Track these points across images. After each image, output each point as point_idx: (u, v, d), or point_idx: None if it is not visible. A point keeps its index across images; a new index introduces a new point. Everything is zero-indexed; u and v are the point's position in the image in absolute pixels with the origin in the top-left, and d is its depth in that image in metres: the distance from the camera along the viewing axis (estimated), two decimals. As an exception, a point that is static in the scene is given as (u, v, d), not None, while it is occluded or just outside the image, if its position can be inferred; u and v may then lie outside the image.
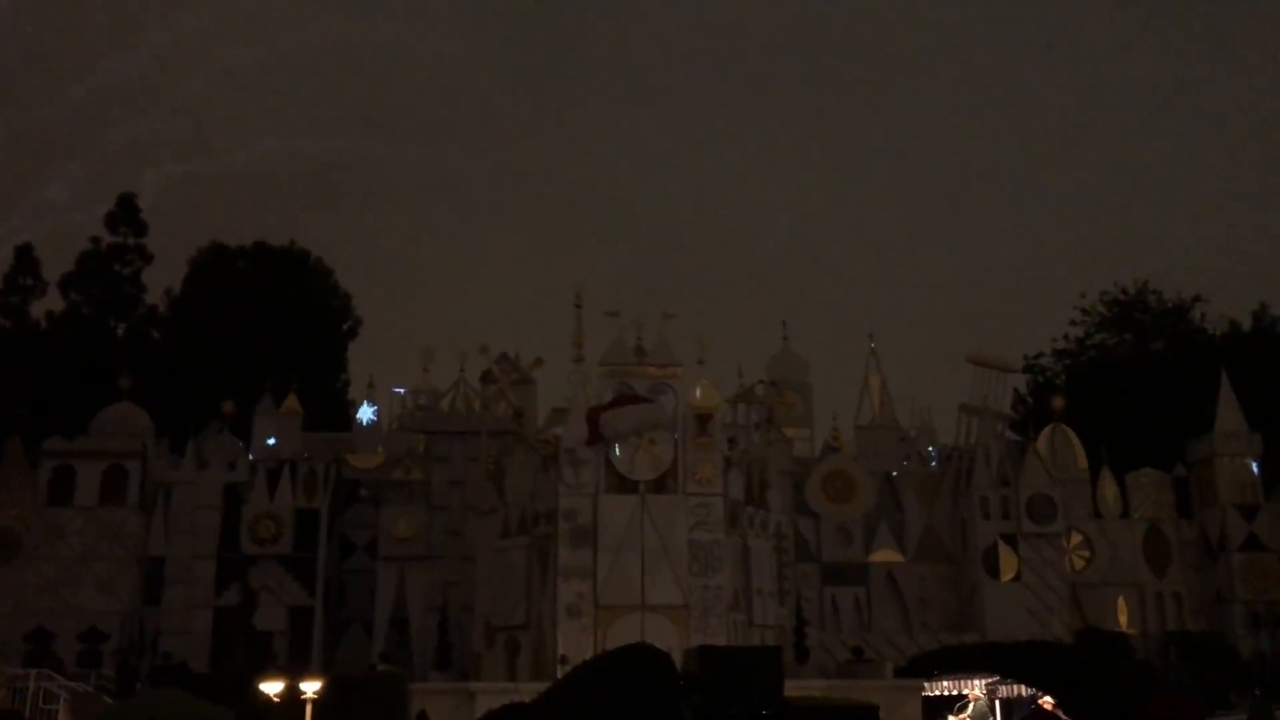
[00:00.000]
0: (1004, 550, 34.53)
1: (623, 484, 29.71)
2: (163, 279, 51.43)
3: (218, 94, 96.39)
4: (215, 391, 37.51)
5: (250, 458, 34.79)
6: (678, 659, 20.34)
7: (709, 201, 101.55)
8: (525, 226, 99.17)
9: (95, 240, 50.44)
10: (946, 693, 28.08)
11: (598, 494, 29.45)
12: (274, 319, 47.37)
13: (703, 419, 30.32)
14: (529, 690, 22.26)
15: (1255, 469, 36.97)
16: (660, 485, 29.78)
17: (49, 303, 49.40)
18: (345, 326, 53.10)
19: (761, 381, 35.85)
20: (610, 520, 29.33)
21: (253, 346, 45.25)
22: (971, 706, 27.36)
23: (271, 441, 34.64)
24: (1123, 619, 35.34)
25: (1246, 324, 52.26)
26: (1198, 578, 36.62)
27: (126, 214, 51.05)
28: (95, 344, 46.29)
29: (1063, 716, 20.60)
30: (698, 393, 30.21)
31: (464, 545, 33.03)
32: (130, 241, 50.68)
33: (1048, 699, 21.99)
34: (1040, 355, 55.13)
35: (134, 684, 27.79)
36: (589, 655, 23.20)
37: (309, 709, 18.08)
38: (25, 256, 49.70)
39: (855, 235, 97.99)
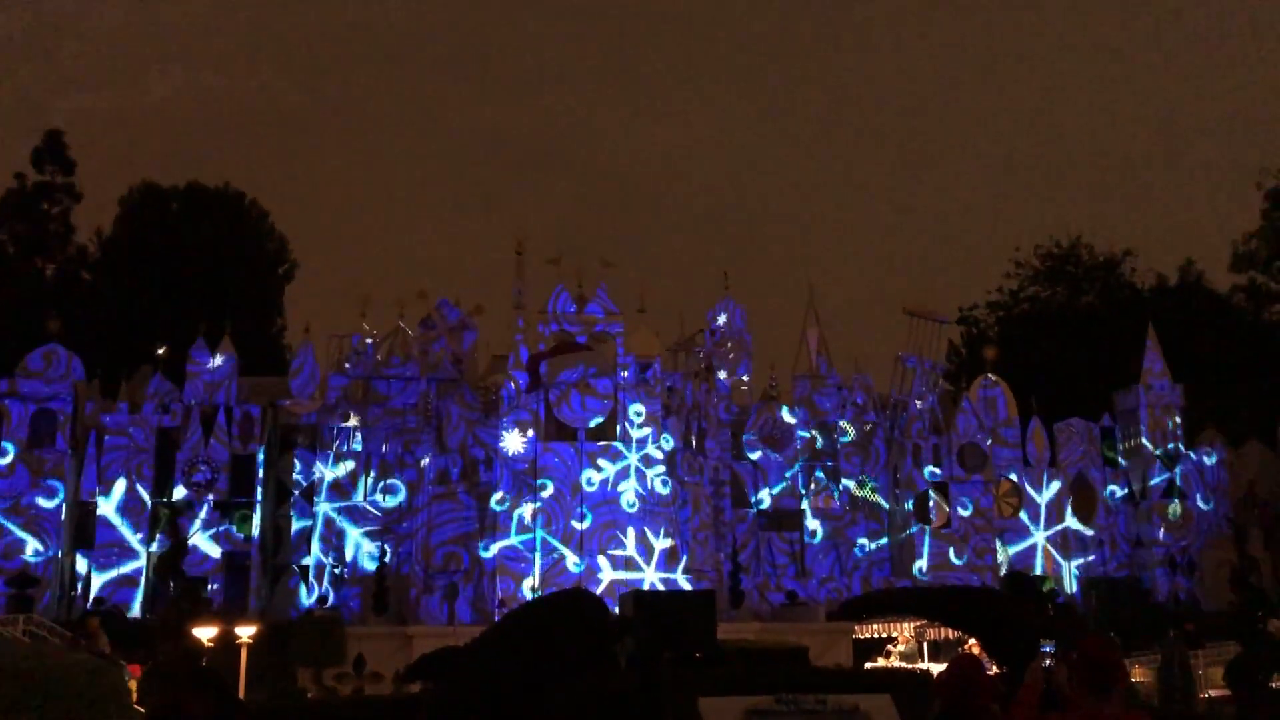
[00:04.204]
0: (936, 498, 35.33)
1: (562, 431, 29.85)
2: (92, 219, 50.23)
3: (139, 27, 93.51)
4: (148, 334, 36.84)
5: (185, 402, 34.30)
6: (614, 603, 20.61)
7: (650, 150, 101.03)
8: (466, 172, 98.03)
9: (20, 177, 48.97)
10: (876, 635, 28.80)
11: (538, 441, 29.55)
12: (208, 261, 46.50)
13: (642, 367, 30.50)
14: (467, 634, 22.44)
15: (1178, 419, 38.01)
16: (600, 432, 29.97)
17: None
18: (281, 270, 52.29)
19: (701, 330, 36.02)
20: (550, 467, 29.49)
21: (186, 289, 44.45)
22: (901, 649, 28.15)
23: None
24: (1048, 564, 36.38)
25: (1174, 279, 53.54)
26: (1120, 524, 37.76)
27: (54, 151, 49.54)
28: (22, 285, 45.12)
29: (987, 659, 21.19)
30: (637, 340, 30.34)
31: (403, 490, 32.99)
32: (58, 180, 49.27)
33: (973, 642, 22.59)
34: (975, 307, 56.05)
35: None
36: (527, 600, 23.44)
37: (244, 653, 18.06)
38: (-55, 193, 48.15)
39: (795, 188, 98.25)
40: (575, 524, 28.96)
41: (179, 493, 32.86)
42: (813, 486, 35.44)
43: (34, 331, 35.54)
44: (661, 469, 29.60)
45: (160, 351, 34.57)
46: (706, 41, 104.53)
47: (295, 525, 33.88)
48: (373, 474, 33.37)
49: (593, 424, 29.98)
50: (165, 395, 34.02)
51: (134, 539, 32.40)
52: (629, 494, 29.28)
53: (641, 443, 29.85)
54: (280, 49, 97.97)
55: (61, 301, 40.66)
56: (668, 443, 30.22)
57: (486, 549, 29.77)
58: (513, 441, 29.41)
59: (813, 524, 34.94)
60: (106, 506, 32.33)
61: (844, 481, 35.33)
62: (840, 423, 35.92)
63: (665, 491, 29.43)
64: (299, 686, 24.26)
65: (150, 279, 45.32)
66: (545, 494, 29.25)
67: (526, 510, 29.01)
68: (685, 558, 30.12)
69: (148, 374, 34.85)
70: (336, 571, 32.38)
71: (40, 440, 33.05)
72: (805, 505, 35.19)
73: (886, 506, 36.01)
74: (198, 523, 32.53)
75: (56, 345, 34.63)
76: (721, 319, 36.46)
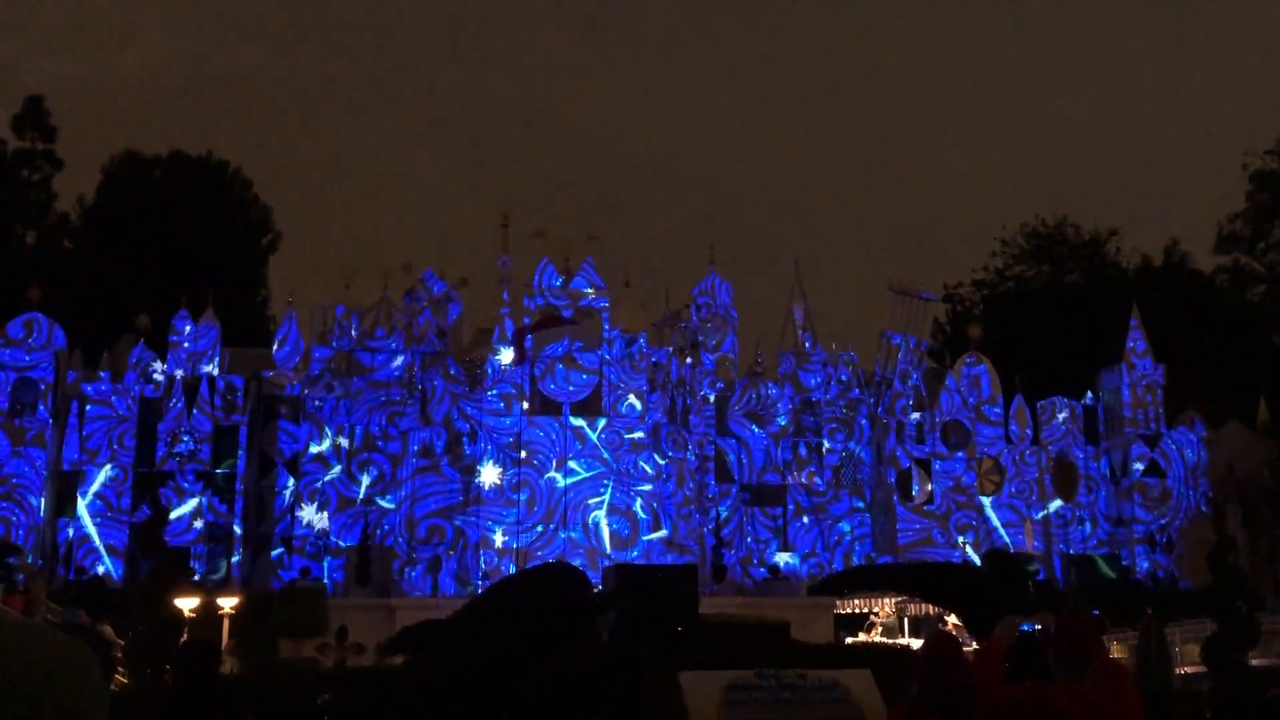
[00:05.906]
0: (919, 474, 35.47)
1: (547, 404, 29.83)
2: (74, 186, 49.83)
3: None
4: (130, 303, 36.59)
5: (167, 372, 34.12)
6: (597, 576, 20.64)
7: (637, 124, 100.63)
8: (451, 145, 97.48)
9: (0, 144, 48.49)
10: (857, 610, 28.96)
11: (522, 414, 29.53)
12: (191, 231, 46.19)
13: (628, 341, 30.46)
14: (450, 606, 22.48)
15: (1159, 399, 38.21)
16: (584, 406, 29.96)
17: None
18: (265, 240, 52.00)
19: (687, 305, 35.96)
20: (534, 440, 29.48)
21: (169, 258, 44.16)
22: (882, 624, 28.33)
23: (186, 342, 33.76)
24: (1029, 542, 36.60)
25: (1158, 259, 53.71)
26: (1101, 503, 38.02)
27: (34, 118, 49.03)
28: (3, 252, 44.75)
29: (966, 635, 21.32)
30: (623, 315, 30.30)
31: (387, 463, 32.93)
32: (39, 146, 48.79)
33: (953, 618, 22.72)
34: (960, 285, 56.14)
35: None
36: (510, 573, 23.49)
37: (226, 624, 18.06)
38: (-75, 160, 47.68)
39: (782, 163, 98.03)
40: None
41: (161, 462, 32.74)
42: (795, 462, 35.52)
43: (15, 300, 35.28)
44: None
45: (142, 321, 34.36)
46: (695, 15, 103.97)
47: (278, 496, 33.83)
48: (357, 445, 33.30)
49: (577, 398, 29.96)
50: (148, 365, 33.84)
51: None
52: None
53: (624, 415, 29.80)
54: (264, 17, 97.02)
55: (43, 269, 40.33)
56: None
57: (471, 522, 29.78)
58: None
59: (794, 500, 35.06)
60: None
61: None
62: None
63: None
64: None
65: (133, 248, 44.99)
66: (530, 466, 29.21)
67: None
68: (668, 532, 30.22)
69: (130, 343, 34.65)
70: (319, 543, 32.35)
71: (21, 409, 32.87)
72: (788, 480, 35.28)
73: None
74: (180, 493, 32.35)
75: (38, 314, 34.39)
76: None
